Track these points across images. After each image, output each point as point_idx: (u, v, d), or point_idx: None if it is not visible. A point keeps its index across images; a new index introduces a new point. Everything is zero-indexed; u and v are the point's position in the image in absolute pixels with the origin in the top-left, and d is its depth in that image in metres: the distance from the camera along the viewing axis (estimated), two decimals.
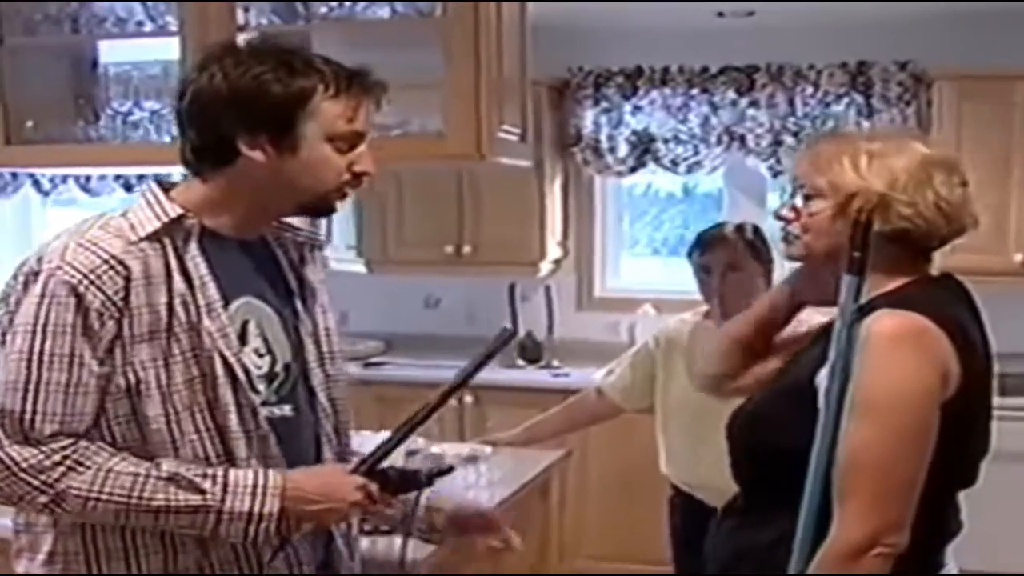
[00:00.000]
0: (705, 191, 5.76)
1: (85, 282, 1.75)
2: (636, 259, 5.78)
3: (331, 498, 1.84)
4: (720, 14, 4.88)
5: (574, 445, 4.61)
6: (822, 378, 1.82)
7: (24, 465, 1.75)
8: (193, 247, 1.84)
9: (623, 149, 5.32)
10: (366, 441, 2.93)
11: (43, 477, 1.75)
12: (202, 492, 1.78)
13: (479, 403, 5.00)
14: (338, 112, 1.83)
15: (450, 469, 2.05)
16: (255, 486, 1.80)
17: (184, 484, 1.78)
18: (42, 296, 1.76)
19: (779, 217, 1.97)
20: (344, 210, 5.50)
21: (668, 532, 3.50)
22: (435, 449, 3.33)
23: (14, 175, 5.88)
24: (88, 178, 5.71)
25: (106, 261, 1.77)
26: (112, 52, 3.40)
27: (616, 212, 5.73)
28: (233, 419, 1.84)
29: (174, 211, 1.84)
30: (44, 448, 1.75)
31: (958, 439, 1.81)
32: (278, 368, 1.93)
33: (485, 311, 5.53)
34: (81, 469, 1.76)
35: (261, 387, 1.90)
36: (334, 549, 2.05)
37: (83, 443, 1.78)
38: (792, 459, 1.81)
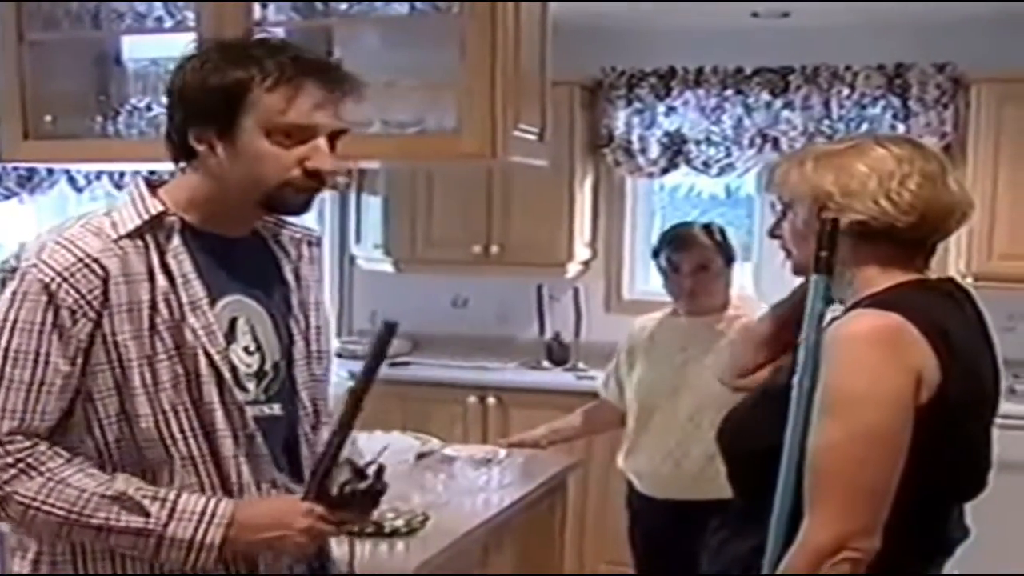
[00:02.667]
0: (748, 193, 5.69)
1: (58, 280, 1.74)
2: None
3: (279, 525, 1.79)
4: (755, 14, 4.83)
5: (597, 450, 4.58)
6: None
7: None
8: (175, 244, 1.82)
9: (655, 150, 5.27)
10: (375, 440, 2.93)
11: None
12: (147, 515, 1.75)
13: (502, 404, 4.98)
14: (274, 104, 1.78)
15: (380, 474, 1.89)
16: (203, 513, 1.76)
17: (129, 505, 1.75)
18: (14, 294, 1.76)
19: (772, 235, 1.97)
20: (374, 209, 5.54)
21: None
22: (448, 451, 3.31)
23: (49, 171, 5.92)
24: (122, 174, 5.73)
25: (81, 260, 1.76)
26: (133, 48, 3.40)
27: (647, 214, 5.68)
28: (219, 417, 1.81)
29: (154, 208, 1.82)
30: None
31: (938, 446, 1.75)
32: (267, 367, 1.91)
33: (513, 312, 5.53)
34: (33, 474, 1.74)
35: (250, 385, 1.88)
36: (325, 556, 2.03)
37: (42, 447, 1.76)
38: (776, 462, 1.77)
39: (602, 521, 4.87)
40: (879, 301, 1.79)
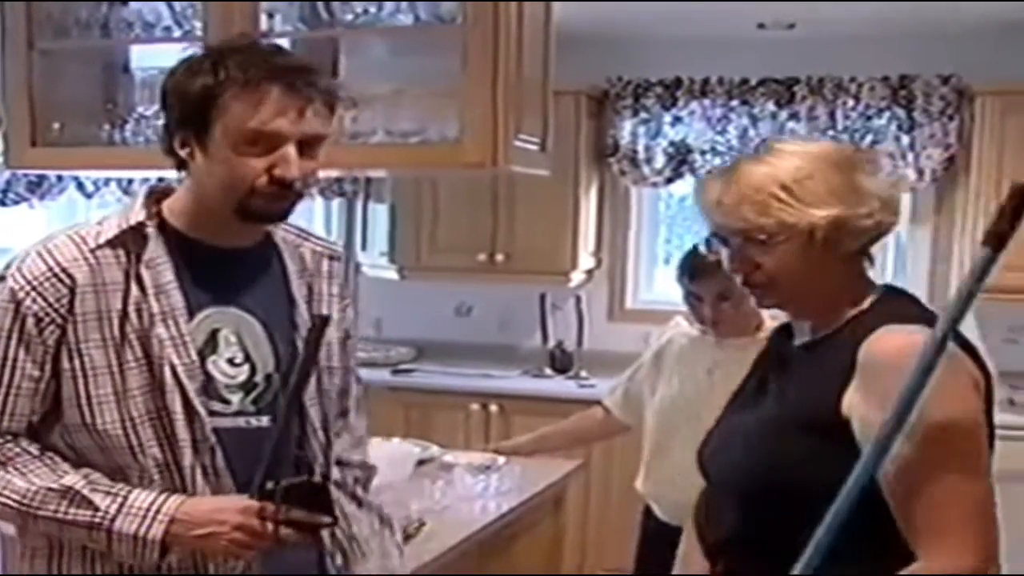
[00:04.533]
0: None
1: (27, 288, 1.79)
2: None
3: (212, 522, 1.77)
4: (761, 25, 4.86)
5: (596, 457, 4.61)
6: (854, 405, 1.63)
7: None
8: (151, 254, 1.84)
9: (660, 160, 5.30)
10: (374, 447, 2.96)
11: None
12: (95, 509, 1.79)
13: (504, 412, 5.01)
14: (238, 110, 1.77)
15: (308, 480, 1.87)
16: (148, 509, 1.78)
17: (77, 500, 1.79)
18: None
19: (735, 271, 1.80)
20: (380, 216, 5.56)
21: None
22: (448, 458, 3.33)
23: (59, 177, 5.95)
24: (130, 181, 5.77)
25: (51, 269, 1.80)
26: (141, 57, 3.43)
27: (652, 223, 5.71)
28: (180, 427, 1.82)
29: (135, 218, 1.85)
30: None
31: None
32: (258, 378, 1.90)
33: (517, 320, 5.56)
34: None
35: (234, 397, 1.88)
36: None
37: (10, 444, 1.82)
38: (815, 504, 1.46)
39: (601, 528, 4.89)
40: (893, 315, 1.68)
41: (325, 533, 1.95)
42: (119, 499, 1.79)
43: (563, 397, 4.84)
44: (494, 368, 5.35)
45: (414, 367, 5.47)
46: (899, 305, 1.75)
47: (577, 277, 5.36)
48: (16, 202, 6.12)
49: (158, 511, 1.78)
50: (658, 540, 3.24)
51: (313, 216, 5.80)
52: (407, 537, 2.62)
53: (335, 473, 2.05)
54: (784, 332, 1.91)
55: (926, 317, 1.66)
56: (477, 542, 2.81)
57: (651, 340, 3.50)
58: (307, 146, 1.81)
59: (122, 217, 1.86)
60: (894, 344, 1.61)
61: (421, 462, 3.27)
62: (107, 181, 5.93)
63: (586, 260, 5.38)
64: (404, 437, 3.64)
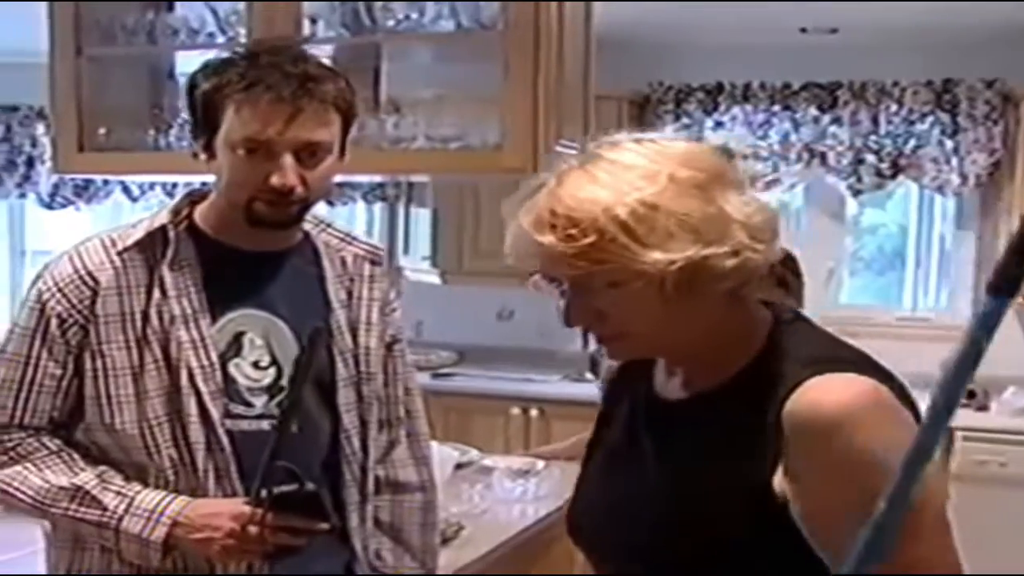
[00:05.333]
0: (797, 206, 5.67)
1: (53, 290, 1.83)
2: None
3: (208, 527, 1.78)
4: (803, 30, 4.85)
5: None
6: (790, 485, 1.28)
7: None
8: (173, 257, 1.84)
9: None
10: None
11: None
12: (103, 508, 1.81)
13: (544, 416, 5.02)
14: (234, 118, 1.76)
15: (299, 488, 1.80)
16: (153, 510, 1.79)
17: (88, 499, 1.81)
18: (25, 300, 1.87)
19: (572, 325, 1.40)
20: (422, 221, 5.58)
21: None
22: (487, 462, 3.34)
23: (105, 181, 6.05)
24: (175, 185, 5.84)
25: (76, 271, 1.84)
26: (186, 63, 3.46)
27: None
28: (194, 429, 1.82)
29: (160, 221, 1.87)
30: None
31: None
32: (284, 382, 1.89)
33: (557, 325, 5.47)
34: (18, 460, 1.84)
35: (257, 401, 1.88)
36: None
37: (31, 439, 1.85)
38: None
39: None
40: (802, 358, 1.34)
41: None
42: (127, 499, 1.80)
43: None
44: (535, 372, 5.36)
45: (455, 371, 5.49)
46: (802, 339, 1.40)
47: None
48: (63, 205, 6.24)
49: (162, 513, 1.79)
50: None
51: (355, 220, 5.84)
52: (445, 540, 2.63)
53: (385, 510, 2.11)
54: (638, 371, 1.53)
55: (841, 355, 1.34)
56: (515, 546, 2.81)
57: None
58: (308, 154, 1.79)
59: (151, 220, 1.88)
60: (830, 403, 1.26)
61: (460, 466, 3.27)
62: (152, 185, 6.02)
63: None
64: (443, 441, 3.65)
